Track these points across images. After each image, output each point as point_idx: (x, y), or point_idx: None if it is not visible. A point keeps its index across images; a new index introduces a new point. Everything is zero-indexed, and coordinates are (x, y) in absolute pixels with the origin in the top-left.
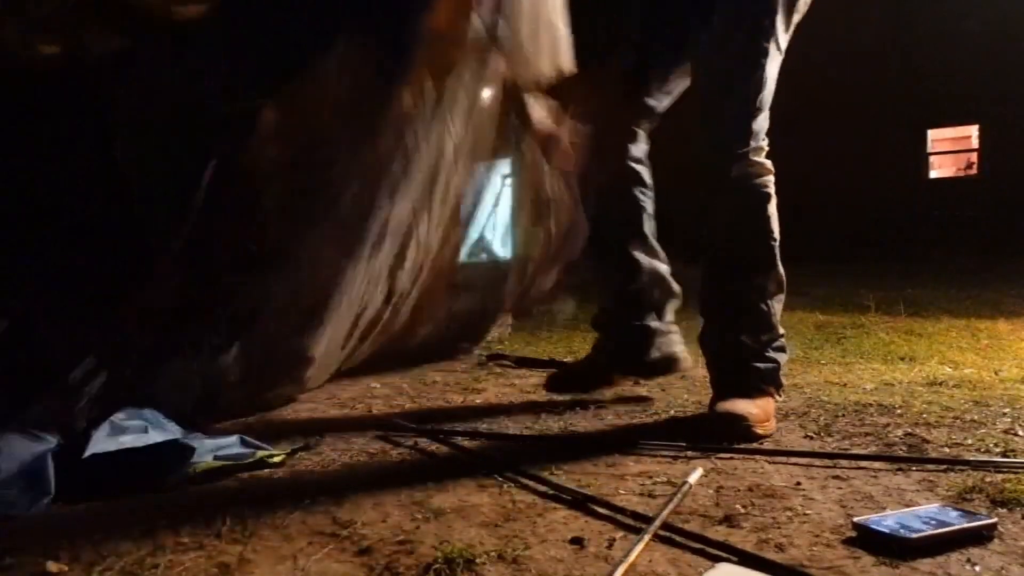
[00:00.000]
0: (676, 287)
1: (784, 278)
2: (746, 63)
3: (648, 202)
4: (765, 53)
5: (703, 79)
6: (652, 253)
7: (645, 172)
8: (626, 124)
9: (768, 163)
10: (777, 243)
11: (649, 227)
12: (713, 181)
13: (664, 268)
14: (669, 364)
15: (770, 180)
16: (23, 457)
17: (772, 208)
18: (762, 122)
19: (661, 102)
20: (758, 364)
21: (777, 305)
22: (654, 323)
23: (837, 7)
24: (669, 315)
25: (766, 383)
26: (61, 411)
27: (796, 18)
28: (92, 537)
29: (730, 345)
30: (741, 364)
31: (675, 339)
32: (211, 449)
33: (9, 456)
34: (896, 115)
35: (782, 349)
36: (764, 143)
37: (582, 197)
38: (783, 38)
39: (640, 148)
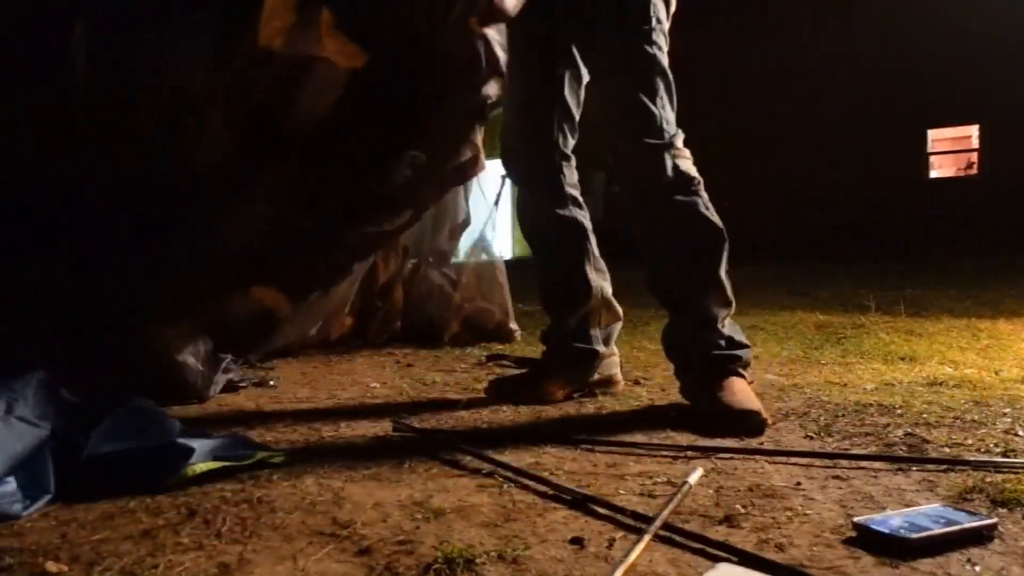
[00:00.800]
0: (619, 310)
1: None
2: (635, 67)
3: (588, 222)
4: (652, 58)
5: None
6: (601, 273)
7: (579, 196)
8: (553, 134)
9: (686, 151)
10: (719, 224)
11: (594, 244)
12: (640, 179)
13: (609, 290)
14: (607, 386)
15: (690, 164)
16: (15, 450)
17: (698, 188)
18: (669, 116)
19: (577, 108)
20: (734, 351)
21: (726, 278)
22: (600, 347)
23: (838, 7)
24: (613, 340)
25: (740, 366)
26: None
27: (673, 7)
28: (92, 537)
29: (698, 333)
30: (711, 356)
31: (615, 361)
32: (211, 449)
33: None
34: (896, 115)
35: (738, 330)
36: (678, 132)
37: (521, 222)
38: (662, 37)
39: (574, 176)
